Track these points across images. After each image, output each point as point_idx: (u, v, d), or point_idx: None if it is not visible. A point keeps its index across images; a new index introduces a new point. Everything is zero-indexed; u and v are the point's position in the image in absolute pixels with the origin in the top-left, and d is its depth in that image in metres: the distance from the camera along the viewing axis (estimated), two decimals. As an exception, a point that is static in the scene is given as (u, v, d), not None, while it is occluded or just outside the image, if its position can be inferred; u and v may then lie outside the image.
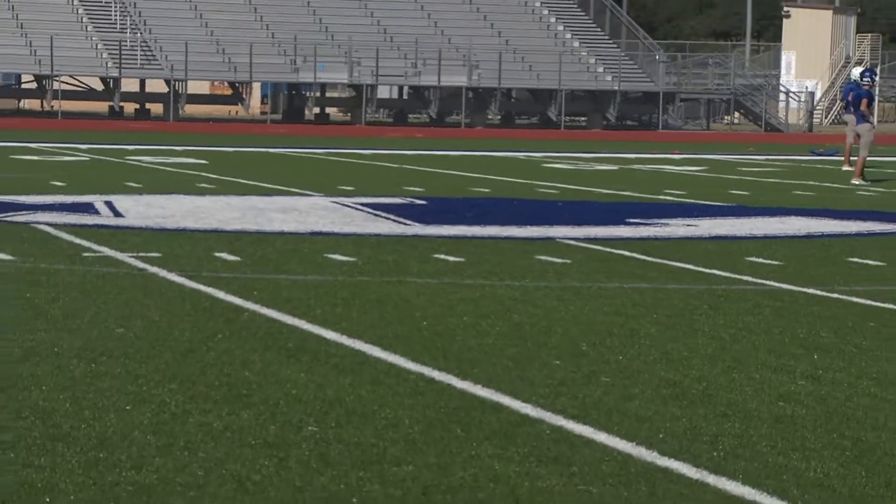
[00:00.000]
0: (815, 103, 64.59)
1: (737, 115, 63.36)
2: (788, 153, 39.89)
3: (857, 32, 73.11)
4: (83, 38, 56.71)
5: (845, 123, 30.03)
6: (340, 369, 7.93)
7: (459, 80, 57.88)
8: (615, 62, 61.90)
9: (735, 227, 17.34)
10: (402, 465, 6.00)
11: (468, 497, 5.57)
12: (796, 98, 65.43)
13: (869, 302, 11.03)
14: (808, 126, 61.64)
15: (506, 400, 7.22)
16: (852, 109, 28.28)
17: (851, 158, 28.22)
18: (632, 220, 17.79)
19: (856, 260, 13.79)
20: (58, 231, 14.64)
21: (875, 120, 29.60)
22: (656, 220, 17.87)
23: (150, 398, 7.08)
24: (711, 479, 5.90)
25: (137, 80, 57.91)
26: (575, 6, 65.73)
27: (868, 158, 27.18)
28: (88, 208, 17.45)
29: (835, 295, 11.36)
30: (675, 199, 21.80)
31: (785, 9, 73.39)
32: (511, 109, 61.72)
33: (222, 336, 8.85)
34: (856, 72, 30.28)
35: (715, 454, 6.28)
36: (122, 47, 55.60)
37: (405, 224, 16.58)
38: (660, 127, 58.86)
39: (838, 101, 56.85)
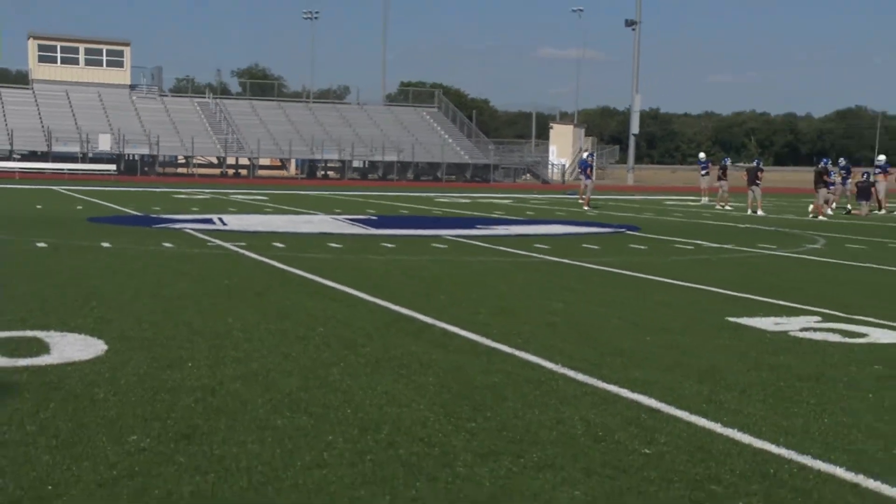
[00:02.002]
0: (565, 170, 65.05)
1: (528, 175, 63.44)
2: (553, 194, 40.17)
3: (585, 136, 73.54)
4: (207, 137, 55.74)
5: (580, 179, 30.24)
6: (335, 300, 7.84)
7: (393, 157, 57.73)
8: (469, 149, 62.01)
9: (528, 229, 17.36)
10: (365, 347, 5.95)
11: (398, 363, 5.53)
12: (557, 167, 66.11)
13: (593, 266, 11.10)
14: (563, 181, 61.95)
15: (418, 316, 7.18)
16: (583, 173, 28.58)
17: (583, 196, 28.45)
18: (478, 226, 17.76)
19: (586, 245, 13.89)
20: (194, 232, 14.37)
21: (594, 177, 29.87)
22: (490, 226, 17.84)
23: (240, 316, 6.96)
24: (518, 353, 5.90)
25: (235, 157, 57.10)
26: (450, 122, 65.70)
27: (592, 197, 27.53)
28: (209, 221, 17.12)
29: (577, 263, 11.43)
30: (499, 215, 21.82)
31: (551, 125, 73.86)
32: (419, 172, 61.18)
33: (276, 285, 8.71)
34: (584, 154, 30.51)
35: (520, 340, 6.28)
36: (227, 141, 54.95)
37: (367, 228, 16.43)
38: (491, 181, 58.86)
39: (576, 168, 57.17)
